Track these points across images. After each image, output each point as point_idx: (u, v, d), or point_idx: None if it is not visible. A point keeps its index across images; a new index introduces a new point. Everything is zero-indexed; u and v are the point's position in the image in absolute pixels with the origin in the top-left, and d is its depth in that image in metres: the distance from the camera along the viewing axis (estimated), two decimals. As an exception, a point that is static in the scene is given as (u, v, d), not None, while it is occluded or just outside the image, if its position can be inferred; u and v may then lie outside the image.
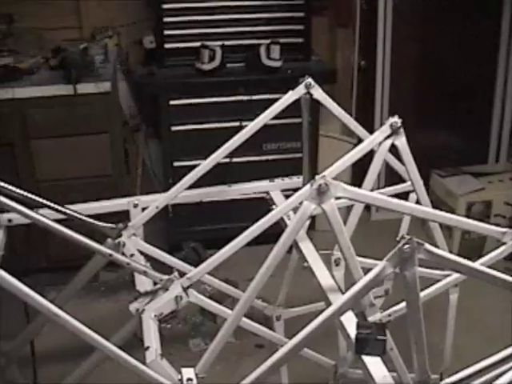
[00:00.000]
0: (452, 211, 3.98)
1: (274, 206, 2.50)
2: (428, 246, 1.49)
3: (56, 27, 4.15)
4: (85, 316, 1.87)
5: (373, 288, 1.63)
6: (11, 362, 2.50)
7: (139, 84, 3.95)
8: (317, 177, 1.76)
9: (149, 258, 2.37)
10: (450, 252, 1.70)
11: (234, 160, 3.61)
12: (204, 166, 2.35)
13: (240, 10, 3.91)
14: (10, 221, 2.31)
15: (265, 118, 2.33)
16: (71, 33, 4.17)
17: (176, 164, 3.85)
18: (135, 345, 2.01)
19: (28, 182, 3.46)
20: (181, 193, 2.38)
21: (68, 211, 2.21)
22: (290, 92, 2.37)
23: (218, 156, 2.35)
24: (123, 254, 2.22)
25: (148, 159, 4.27)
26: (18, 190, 2.13)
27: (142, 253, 2.32)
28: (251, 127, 2.33)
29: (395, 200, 1.85)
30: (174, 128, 3.82)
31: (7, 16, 4.04)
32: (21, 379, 2.61)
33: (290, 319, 2.87)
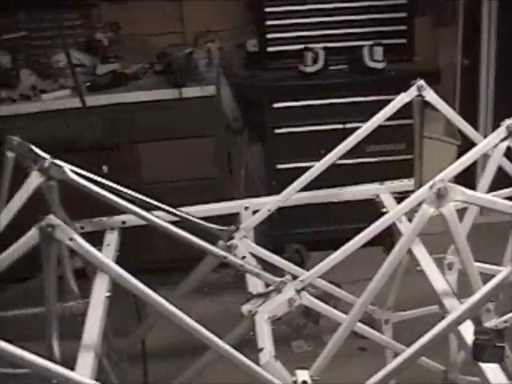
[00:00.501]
0: None
1: (384, 209, 2.47)
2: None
3: (159, 33, 4.26)
4: (189, 316, 1.89)
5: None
6: (123, 359, 2.57)
7: (242, 87, 3.98)
8: (435, 180, 1.74)
9: (258, 259, 2.38)
10: None
11: (338, 162, 3.58)
12: (317, 168, 2.34)
13: (342, 11, 3.89)
14: (123, 222, 2.37)
15: (377, 119, 2.32)
16: (174, 38, 4.26)
17: (279, 166, 3.87)
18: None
19: (134, 184, 3.52)
20: (292, 195, 2.38)
21: (180, 213, 2.25)
22: (402, 94, 2.34)
23: (331, 158, 2.34)
24: (235, 256, 2.24)
25: (250, 162, 4.30)
26: (132, 193, 2.18)
27: (253, 255, 2.33)
28: (364, 129, 2.32)
29: (517, 204, 1.81)
30: (277, 131, 3.83)
31: (114, 24, 4.16)
32: (131, 376, 2.67)
33: (399, 322, 2.83)
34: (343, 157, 3.25)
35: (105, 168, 3.59)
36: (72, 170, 2.01)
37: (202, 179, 3.75)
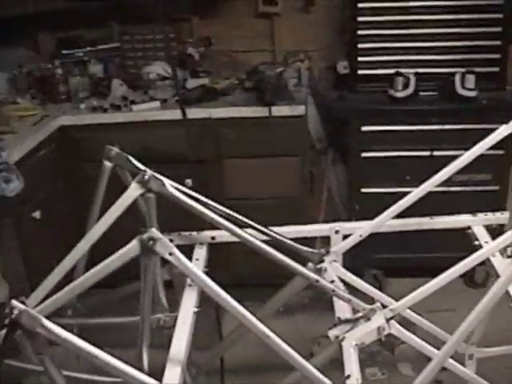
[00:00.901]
0: None
1: (476, 242, 2.42)
2: None
3: (249, 50, 4.28)
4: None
5: None
6: (201, 373, 2.58)
7: (330, 108, 3.96)
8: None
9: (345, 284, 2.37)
10: None
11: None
12: (412, 196, 2.33)
13: (435, 37, 3.84)
14: (213, 238, 2.39)
15: (477, 150, 2.29)
16: (263, 56, 4.27)
17: (363, 190, 3.83)
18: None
19: (217, 200, 3.56)
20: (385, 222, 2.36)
21: (271, 233, 2.25)
22: (504, 126, 2.30)
23: (428, 186, 2.32)
24: (323, 279, 2.23)
25: (333, 183, 4.28)
26: (225, 210, 2.20)
27: (341, 279, 2.32)
28: (462, 160, 2.29)
29: None
30: (363, 154, 3.80)
31: (206, 39, 4.21)
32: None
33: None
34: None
35: (188, 181, 3.62)
36: (171, 184, 2.03)
37: (283, 198, 3.75)
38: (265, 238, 2.26)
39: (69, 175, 3.83)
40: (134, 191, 1.98)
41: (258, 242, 2.05)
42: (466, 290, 3.89)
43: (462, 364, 2.72)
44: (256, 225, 2.22)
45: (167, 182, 2.00)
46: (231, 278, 3.86)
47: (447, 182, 3.76)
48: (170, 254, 1.71)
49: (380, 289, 3.80)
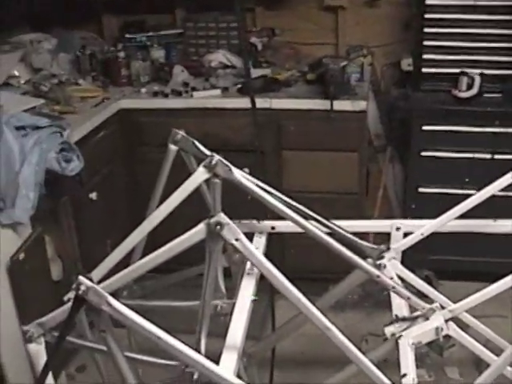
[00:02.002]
0: None
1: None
2: None
3: (312, 43, 4.26)
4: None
5: None
6: (252, 363, 2.58)
7: (392, 105, 3.93)
8: None
9: (404, 282, 2.35)
10: None
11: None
12: (476, 197, 2.30)
13: (502, 38, 3.77)
14: (273, 228, 2.38)
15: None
16: (326, 49, 4.25)
17: (421, 190, 3.79)
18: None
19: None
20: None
21: (333, 226, 2.24)
22: None
23: (492, 189, 2.28)
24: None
25: (389, 181, 4.24)
26: (289, 200, 2.19)
27: (399, 277, 2.30)
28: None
29: None
30: (423, 153, 3.76)
31: (269, 29, 4.21)
32: (258, 380, 2.68)
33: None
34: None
35: (246, 170, 3.60)
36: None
37: (341, 193, 3.73)
38: (326, 230, 2.25)
39: (127, 158, 3.87)
40: (200, 175, 1.98)
41: (321, 234, 2.03)
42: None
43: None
44: (319, 217, 2.20)
45: (234, 168, 2.00)
46: (285, 270, 3.87)
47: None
48: (237, 239, 1.71)
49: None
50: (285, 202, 2.17)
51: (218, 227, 1.69)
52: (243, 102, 3.63)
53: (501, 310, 3.49)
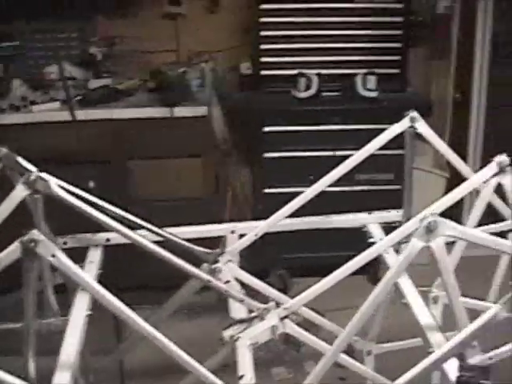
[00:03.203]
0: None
1: (372, 239, 2.45)
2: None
3: (153, 50, 4.23)
4: (170, 338, 1.86)
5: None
6: (100, 378, 2.53)
7: (234, 109, 3.96)
8: (426, 213, 1.72)
9: (242, 283, 2.36)
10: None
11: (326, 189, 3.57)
12: (305, 195, 2.34)
13: (337, 39, 3.90)
14: (108, 240, 2.34)
15: (369, 149, 2.32)
16: (168, 56, 4.23)
17: (266, 191, 3.85)
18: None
19: (122, 201, 3.50)
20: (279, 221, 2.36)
21: (166, 234, 2.23)
22: (395, 125, 2.33)
23: (320, 186, 2.33)
24: (219, 279, 2.22)
25: (238, 185, 4.27)
26: (118, 211, 2.16)
27: (236, 279, 2.31)
28: (355, 158, 2.32)
29: (507, 242, 1.79)
30: (266, 155, 3.82)
31: (110, 38, 4.14)
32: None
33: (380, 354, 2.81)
34: (332, 184, 3.27)
35: (91, 183, 3.54)
36: (59, 185, 1.98)
37: (189, 199, 3.73)
38: (161, 239, 2.23)
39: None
40: (20, 192, 1.92)
41: (149, 244, 2.02)
42: (371, 288, 3.93)
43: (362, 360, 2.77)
44: (149, 226, 2.19)
45: (54, 182, 1.95)
46: (135, 280, 3.82)
47: (349, 181, 3.86)
48: (53, 255, 1.66)
49: (285, 289, 3.85)
50: (116, 213, 2.14)
51: (32, 244, 1.63)
52: (83, 114, 3.58)
53: (354, 302, 3.58)
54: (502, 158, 2.09)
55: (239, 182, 4.25)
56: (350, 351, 2.75)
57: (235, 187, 4.25)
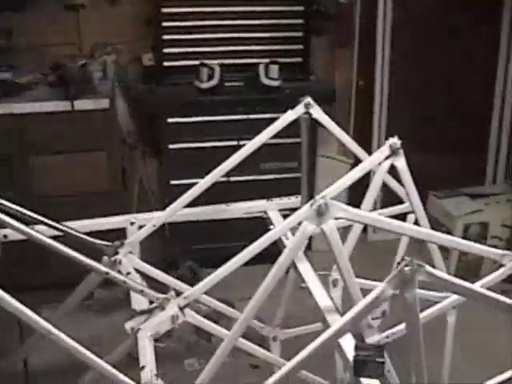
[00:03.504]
0: (449, 232, 3.96)
1: (271, 226, 2.48)
2: (429, 268, 1.48)
3: (55, 43, 4.14)
4: (79, 334, 1.85)
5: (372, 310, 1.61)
6: (4, 379, 2.49)
7: (138, 101, 3.94)
8: (316, 197, 1.75)
9: (145, 276, 2.35)
10: (448, 273, 1.68)
11: (232, 179, 3.59)
12: (201, 184, 2.35)
13: (239, 28, 3.91)
14: (5, 237, 2.30)
15: (263, 137, 2.33)
16: (70, 49, 4.14)
17: (173, 182, 3.83)
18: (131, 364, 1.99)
19: (25, 198, 3.42)
20: (178, 211, 2.35)
21: (64, 228, 2.20)
22: (289, 111, 2.36)
23: (216, 175, 2.34)
24: (119, 271, 2.20)
25: (145, 177, 4.25)
26: (13, 206, 2.12)
27: (138, 271, 2.30)
28: (249, 146, 2.33)
29: (395, 221, 1.84)
30: (171, 146, 3.80)
31: (6, 31, 4.03)
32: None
33: (287, 340, 2.84)
34: (237, 174, 3.29)
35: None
36: None
37: (95, 193, 3.68)
38: (60, 234, 2.20)
39: None
40: None
41: (44, 238, 1.98)
42: (284, 276, 3.97)
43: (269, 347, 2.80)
44: (46, 220, 2.15)
45: None
46: (46, 278, 3.74)
47: (254, 170, 3.89)
48: None
49: (196, 280, 3.84)
50: (11, 208, 2.10)
51: None
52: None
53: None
54: (394, 140, 2.13)
55: (146, 174, 4.23)
56: (258, 339, 2.79)
57: (142, 180, 4.23)
